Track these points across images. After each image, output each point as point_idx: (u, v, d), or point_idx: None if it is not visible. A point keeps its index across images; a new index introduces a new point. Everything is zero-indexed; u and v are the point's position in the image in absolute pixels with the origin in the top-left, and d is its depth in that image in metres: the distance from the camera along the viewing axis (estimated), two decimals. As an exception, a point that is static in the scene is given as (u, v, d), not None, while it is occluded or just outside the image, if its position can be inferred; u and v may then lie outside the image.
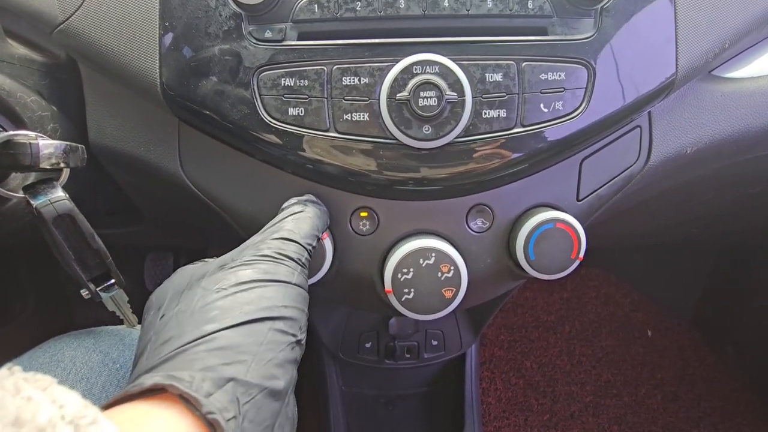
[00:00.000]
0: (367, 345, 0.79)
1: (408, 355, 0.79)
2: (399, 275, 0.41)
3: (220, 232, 0.50)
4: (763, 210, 0.70)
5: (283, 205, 0.39)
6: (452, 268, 0.40)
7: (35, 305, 1.01)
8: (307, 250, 0.34)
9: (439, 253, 0.40)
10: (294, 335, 0.29)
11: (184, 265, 0.34)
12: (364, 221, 0.44)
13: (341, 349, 0.80)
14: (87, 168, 0.43)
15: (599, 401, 1.15)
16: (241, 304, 0.28)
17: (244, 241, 0.36)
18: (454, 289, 0.41)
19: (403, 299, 0.41)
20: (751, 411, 1.12)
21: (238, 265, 0.31)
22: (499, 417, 1.12)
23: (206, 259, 0.35)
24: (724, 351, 1.21)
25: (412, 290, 0.41)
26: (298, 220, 0.36)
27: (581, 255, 0.41)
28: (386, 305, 0.43)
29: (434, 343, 0.79)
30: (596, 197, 0.45)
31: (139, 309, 0.36)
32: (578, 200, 0.45)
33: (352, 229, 0.44)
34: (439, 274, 0.41)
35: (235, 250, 0.34)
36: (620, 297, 1.33)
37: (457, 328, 0.79)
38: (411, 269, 0.40)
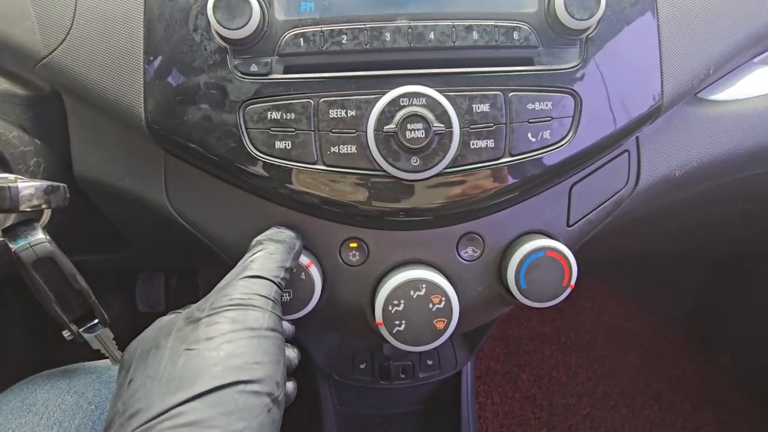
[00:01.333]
0: (362, 366, 0.78)
1: (403, 375, 0.78)
2: (390, 307, 0.40)
3: (210, 258, 0.50)
4: (754, 224, 0.70)
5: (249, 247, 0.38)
6: (443, 299, 0.40)
7: (25, 331, 1.00)
8: (276, 284, 0.33)
9: (430, 284, 0.40)
10: (270, 394, 0.27)
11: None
12: (353, 252, 0.43)
13: (335, 370, 0.79)
14: (72, 197, 0.42)
15: (596, 413, 1.15)
16: (209, 366, 0.27)
17: (232, 265, 0.35)
18: (446, 320, 0.41)
19: (394, 331, 0.41)
20: (747, 419, 1.12)
21: (205, 316, 0.30)
22: (497, 432, 1.11)
23: (179, 310, 0.34)
24: (718, 359, 1.21)
25: (404, 322, 0.40)
26: (262, 258, 0.35)
27: (573, 283, 0.41)
28: (378, 335, 0.42)
29: (429, 362, 0.79)
30: (586, 222, 0.45)
31: (130, 331, 0.35)
32: (568, 226, 0.45)
33: (342, 260, 0.43)
34: (430, 306, 0.40)
35: (202, 300, 0.32)
36: (615, 306, 1.33)
37: (452, 347, 0.78)
38: (402, 301, 0.40)
